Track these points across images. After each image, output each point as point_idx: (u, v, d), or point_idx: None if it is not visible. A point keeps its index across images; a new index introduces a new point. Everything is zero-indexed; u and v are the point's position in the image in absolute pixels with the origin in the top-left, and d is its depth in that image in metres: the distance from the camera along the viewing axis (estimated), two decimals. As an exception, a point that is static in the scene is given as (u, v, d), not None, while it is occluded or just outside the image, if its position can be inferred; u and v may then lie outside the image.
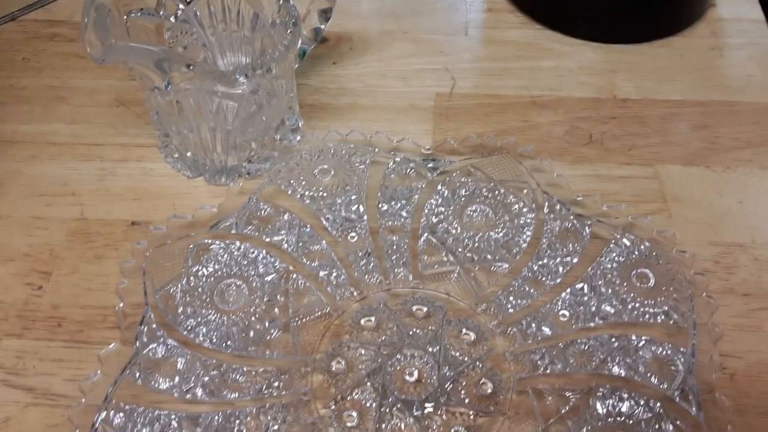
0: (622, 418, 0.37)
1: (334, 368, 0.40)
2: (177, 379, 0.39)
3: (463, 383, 0.40)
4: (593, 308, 0.42)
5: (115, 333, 0.42)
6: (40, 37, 0.62)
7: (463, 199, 0.48)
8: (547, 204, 0.47)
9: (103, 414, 0.37)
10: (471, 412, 0.39)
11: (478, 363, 0.41)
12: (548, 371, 0.40)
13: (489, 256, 0.45)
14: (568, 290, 0.43)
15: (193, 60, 0.42)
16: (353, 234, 0.47)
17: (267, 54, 0.45)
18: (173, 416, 0.37)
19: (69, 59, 0.59)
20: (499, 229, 0.46)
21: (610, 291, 0.42)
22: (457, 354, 0.41)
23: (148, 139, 0.53)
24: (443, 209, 0.47)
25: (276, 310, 0.42)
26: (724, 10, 0.64)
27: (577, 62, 0.60)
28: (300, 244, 0.46)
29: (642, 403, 0.38)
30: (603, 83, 0.58)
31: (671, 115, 0.55)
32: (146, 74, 0.43)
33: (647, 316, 0.41)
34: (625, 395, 0.38)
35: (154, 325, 0.40)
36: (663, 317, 0.41)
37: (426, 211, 0.47)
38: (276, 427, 0.38)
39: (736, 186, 0.50)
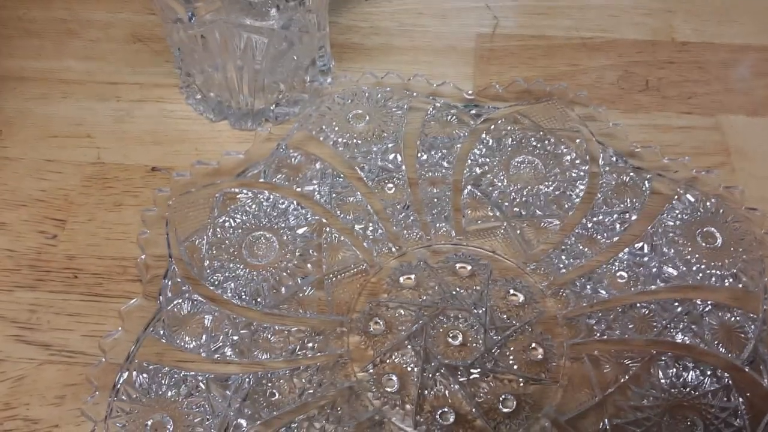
0: (687, 389, 0.34)
1: (371, 329, 0.37)
2: (204, 337, 0.36)
3: (512, 348, 0.37)
4: (654, 270, 0.39)
5: (137, 286, 0.39)
6: (50, -34, 0.57)
7: (509, 149, 0.44)
8: (601, 156, 0.43)
9: (125, 374, 0.34)
10: (521, 379, 0.36)
11: (527, 326, 0.37)
12: (605, 337, 0.37)
13: (538, 212, 0.42)
14: (627, 250, 0.40)
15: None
16: (390, 185, 0.43)
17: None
18: (200, 377, 0.35)
19: (81, -10, 0.55)
20: (550, 183, 0.42)
21: (672, 251, 0.39)
22: (505, 316, 0.38)
23: (168, 79, 0.49)
24: (488, 160, 0.44)
25: (309, 265, 0.39)
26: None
27: (631, 1, 0.55)
28: (333, 195, 0.42)
29: (709, 373, 0.35)
30: (659, 25, 0.53)
31: (734, 61, 0.51)
32: (168, 4, 0.39)
33: (713, 279, 0.38)
34: (690, 364, 0.35)
35: (178, 279, 0.37)
36: (731, 280, 0.38)
37: (469, 161, 0.44)
38: (311, 390, 0.35)
39: (806, 139, 0.46)
